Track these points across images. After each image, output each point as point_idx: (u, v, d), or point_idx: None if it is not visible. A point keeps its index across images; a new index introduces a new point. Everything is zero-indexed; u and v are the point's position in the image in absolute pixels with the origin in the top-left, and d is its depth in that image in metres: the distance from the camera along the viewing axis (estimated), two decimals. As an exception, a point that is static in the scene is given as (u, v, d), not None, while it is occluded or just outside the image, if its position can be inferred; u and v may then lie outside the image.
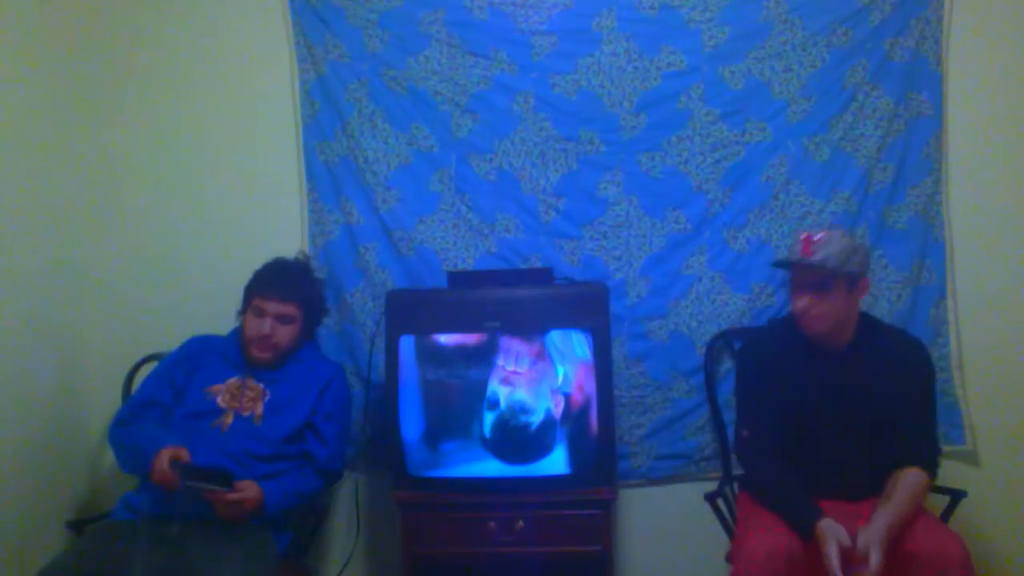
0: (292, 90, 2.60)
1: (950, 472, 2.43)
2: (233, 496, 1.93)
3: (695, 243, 2.53)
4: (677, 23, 2.52)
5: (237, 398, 2.17)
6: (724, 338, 2.49)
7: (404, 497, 2.19)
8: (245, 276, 2.27)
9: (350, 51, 2.58)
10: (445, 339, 2.22)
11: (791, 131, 2.51)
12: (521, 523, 2.15)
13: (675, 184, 2.53)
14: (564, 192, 2.55)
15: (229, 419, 2.14)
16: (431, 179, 2.57)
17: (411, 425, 2.19)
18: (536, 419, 2.18)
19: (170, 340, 2.36)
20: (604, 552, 2.16)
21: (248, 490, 1.97)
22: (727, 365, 2.50)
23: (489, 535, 2.15)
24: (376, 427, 2.53)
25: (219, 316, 2.30)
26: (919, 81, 2.49)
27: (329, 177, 2.60)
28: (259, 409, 2.16)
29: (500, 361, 2.19)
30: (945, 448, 2.35)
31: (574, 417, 2.17)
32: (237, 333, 2.27)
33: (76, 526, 2.27)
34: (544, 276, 2.34)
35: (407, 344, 2.19)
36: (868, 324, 2.12)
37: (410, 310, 2.23)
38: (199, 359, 2.25)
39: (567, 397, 2.18)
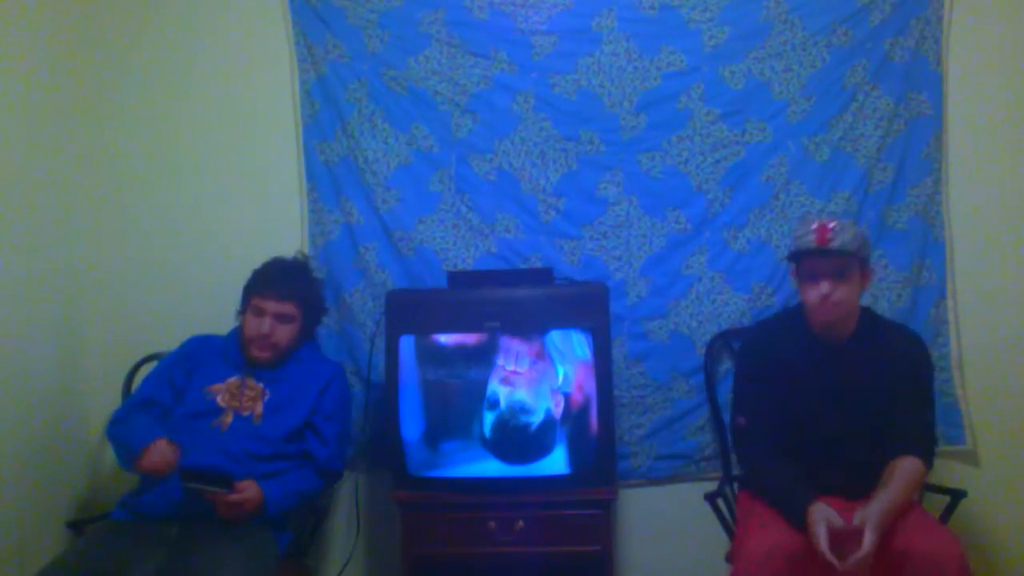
0: (292, 90, 2.60)
1: (950, 472, 2.43)
2: (234, 497, 1.93)
3: (695, 243, 2.53)
4: (677, 23, 2.52)
5: (237, 397, 2.17)
6: (724, 338, 2.49)
7: (404, 497, 2.19)
8: (245, 276, 2.27)
9: (350, 51, 2.58)
10: (445, 339, 2.22)
11: (791, 131, 2.51)
12: (521, 523, 2.15)
13: (675, 184, 2.53)
14: (564, 192, 2.55)
15: (229, 419, 2.14)
16: (431, 179, 2.57)
17: (411, 425, 2.19)
18: (536, 419, 2.18)
19: (170, 340, 2.36)
20: (604, 552, 2.16)
21: (248, 491, 1.97)
22: (727, 365, 2.50)
23: (489, 535, 2.15)
24: (376, 427, 2.53)
25: (219, 316, 2.30)
26: (919, 81, 2.49)
27: (329, 177, 2.60)
28: (259, 409, 2.16)
29: (500, 361, 2.19)
30: (945, 448, 2.36)
31: (574, 417, 2.17)
32: (237, 333, 2.27)
33: (76, 526, 2.27)
34: (544, 276, 2.34)
35: (407, 344, 2.19)
36: (869, 318, 2.13)
37: (410, 310, 2.23)
38: (199, 359, 2.25)
39: (567, 397, 2.18)
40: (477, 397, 2.18)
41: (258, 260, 2.29)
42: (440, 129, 2.57)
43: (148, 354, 2.45)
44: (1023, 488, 2.45)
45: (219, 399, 2.16)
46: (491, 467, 2.18)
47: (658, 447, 2.53)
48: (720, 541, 2.32)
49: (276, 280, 2.23)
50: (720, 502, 2.24)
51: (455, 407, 2.23)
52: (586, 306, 2.19)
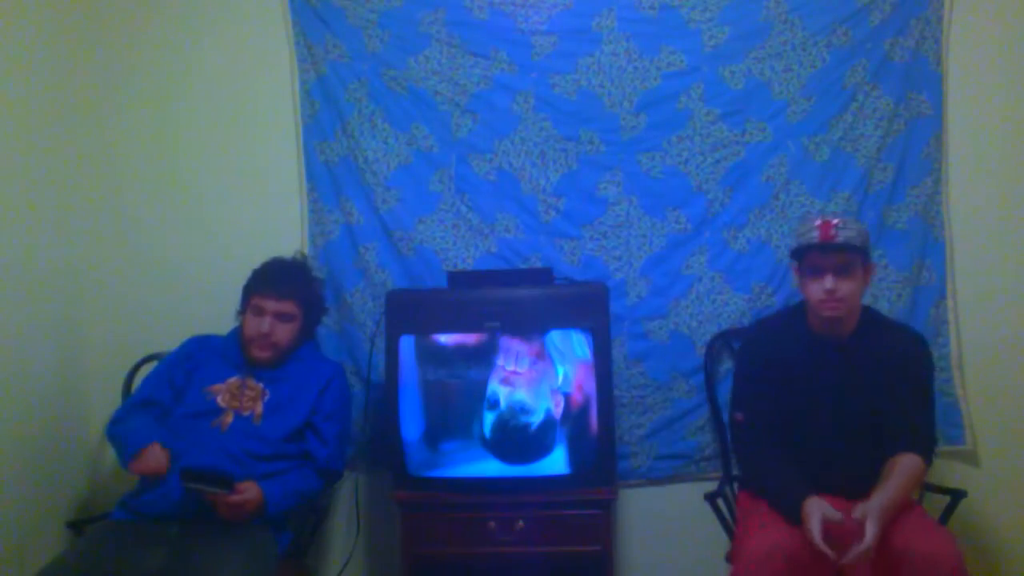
0: (292, 90, 2.60)
1: (950, 472, 2.43)
2: (235, 498, 1.93)
3: (695, 243, 2.53)
4: (677, 23, 2.52)
5: (237, 397, 2.17)
6: (724, 338, 2.49)
7: (404, 497, 2.19)
8: (245, 276, 2.27)
9: (350, 51, 2.58)
10: (445, 339, 2.21)
11: (791, 131, 2.51)
12: (521, 523, 2.15)
13: (675, 184, 2.53)
14: (564, 192, 2.55)
15: (229, 418, 2.14)
16: (431, 179, 2.57)
17: (411, 425, 2.19)
18: (536, 419, 2.18)
19: (170, 340, 2.36)
20: (604, 552, 2.16)
21: (249, 491, 1.97)
22: (727, 365, 2.50)
23: (489, 535, 2.15)
24: (376, 427, 2.53)
25: (219, 316, 2.30)
26: (919, 81, 2.49)
27: (329, 177, 2.60)
28: (259, 409, 2.16)
29: (500, 361, 2.19)
30: (945, 448, 2.36)
31: (574, 417, 2.17)
32: (237, 333, 2.27)
33: (76, 526, 2.27)
34: (544, 276, 2.34)
35: (407, 344, 2.19)
36: (870, 317, 2.14)
37: (410, 310, 2.23)
38: (199, 359, 2.25)
39: (567, 397, 2.18)
40: (477, 397, 2.18)
41: (258, 260, 2.29)
42: (440, 129, 2.57)
43: (148, 354, 2.45)
44: (1023, 488, 2.45)
45: (219, 399, 2.16)
46: (491, 467, 2.18)
47: (658, 447, 2.53)
48: (720, 541, 2.32)
49: (276, 279, 2.23)
50: (720, 502, 2.24)
51: (455, 407, 2.23)
52: (586, 306, 2.19)
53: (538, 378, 2.18)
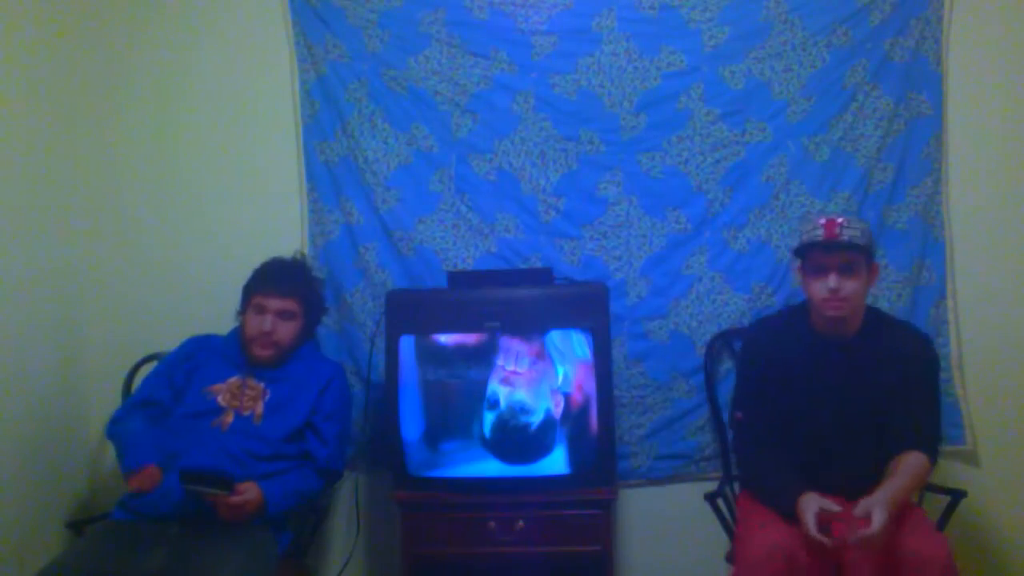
0: (292, 90, 2.60)
1: (950, 472, 2.43)
2: (235, 499, 1.93)
3: (695, 243, 2.53)
4: (677, 23, 2.52)
5: (237, 397, 2.17)
6: (724, 338, 2.49)
7: (404, 497, 2.19)
8: (245, 276, 2.27)
9: (350, 51, 2.58)
10: (445, 339, 2.21)
11: (791, 131, 2.51)
12: (521, 523, 2.15)
13: (675, 184, 2.53)
14: (564, 192, 2.55)
15: (229, 418, 2.14)
16: (431, 179, 2.57)
17: (411, 425, 2.19)
18: (536, 419, 2.18)
19: (170, 340, 2.35)
20: (604, 552, 2.16)
21: (249, 492, 1.97)
22: (727, 365, 2.50)
23: (489, 535, 2.15)
24: (376, 427, 2.53)
25: (219, 316, 2.30)
26: (919, 81, 2.49)
27: (329, 177, 2.60)
28: (259, 408, 2.16)
29: (500, 361, 2.19)
30: (945, 448, 2.35)
31: (574, 417, 2.17)
32: (237, 333, 2.27)
33: (76, 526, 2.26)
34: (544, 276, 2.34)
35: (407, 344, 2.19)
36: (874, 316, 2.13)
37: (410, 310, 2.22)
38: (199, 359, 2.25)
39: (567, 397, 2.18)
40: (477, 397, 2.18)
41: (258, 260, 2.29)
42: (440, 129, 2.57)
43: (148, 354, 2.45)
44: (1023, 488, 2.45)
45: (220, 399, 2.16)
46: (491, 467, 2.18)
47: (658, 447, 2.53)
48: (720, 541, 2.32)
49: (278, 277, 2.23)
50: (720, 502, 2.24)
51: (455, 407, 2.23)
52: (586, 306, 2.19)
53: (538, 378, 2.18)
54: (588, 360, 2.16)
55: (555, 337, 2.19)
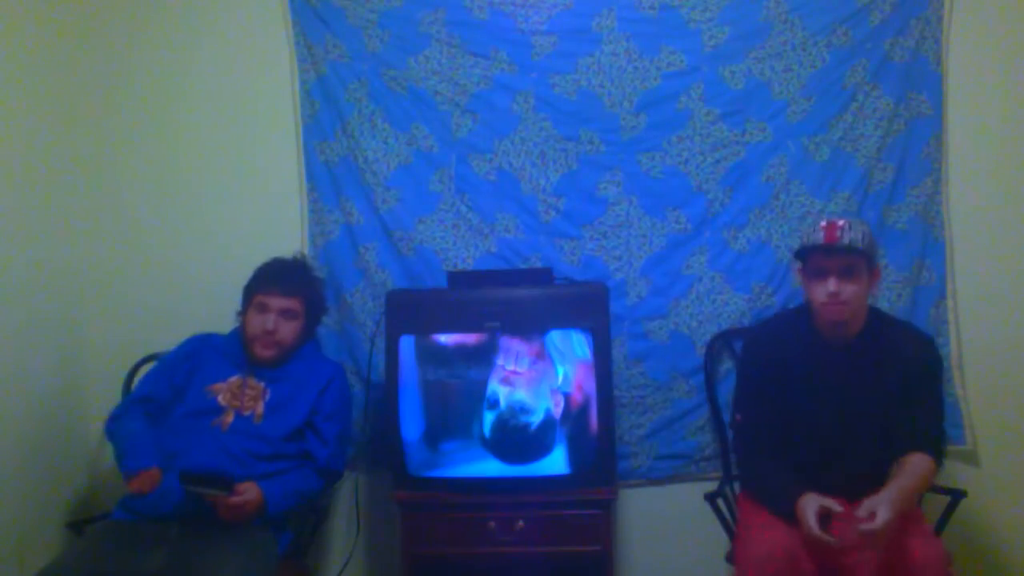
0: (292, 90, 2.60)
1: (950, 472, 2.43)
2: (235, 500, 1.93)
3: (695, 243, 2.53)
4: (677, 23, 2.52)
5: (238, 397, 2.17)
6: (724, 338, 2.49)
7: (404, 497, 2.19)
8: (245, 276, 2.27)
9: (350, 51, 2.58)
10: (445, 339, 2.21)
11: (791, 131, 2.51)
12: (521, 523, 2.15)
13: (675, 184, 2.53)
14: (564, 192, 2.55)
15: (230, 418, 2.14)
16: (431, 179, 2.57)
17: (411, 425, 2.19)
18: (536, 419, 2.18)
19: (170, 340, 2.35)
20: (604, 552, 2.16)
21: (249, 492, 1.97)
22: (727, 365, 2.50)
23: (489, 535, 2.15)
24: (376, 427, 2.53)
25: (219, 316, 2.30)
26: (919, 81, 2.48)
27: (329, 177, 2.60)
28: (260, 408, 2.16)
29: (500, 361, 2.19)
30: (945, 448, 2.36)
31: (574, 417, 2.17)
32: (238, 332, 2.27)
33: (76, 526, 2.26)
34: (544, 276, 2.34)
35: (407, 344, 2.19)
36: (876, 317, 2.13)
37: (410, 310, 2.22)
38: (199, 358, 2.25)
39: (567, 397, 2.18)
40: (477, 397, 2.18)
41: (258, 260, 2.29)
42: (440, 129, 2.57)
43: (148, 354, 2.45)
44: (1023, 488, 2.45)
45: (220, 398, 2.16)
46: (491, 467, 2.18)
47: (658, 447, 2.53)
48: (720, 541, 2.32)
49: (280, 277, 2.23)
50: (720, 502, 2.24)
51: (455, 407, 2.23)
52: (586, 306, 2.19)
53: (538, 378, 2.18)
54: (588, 360, 2.16)
55: (555, 337, 2.19)
